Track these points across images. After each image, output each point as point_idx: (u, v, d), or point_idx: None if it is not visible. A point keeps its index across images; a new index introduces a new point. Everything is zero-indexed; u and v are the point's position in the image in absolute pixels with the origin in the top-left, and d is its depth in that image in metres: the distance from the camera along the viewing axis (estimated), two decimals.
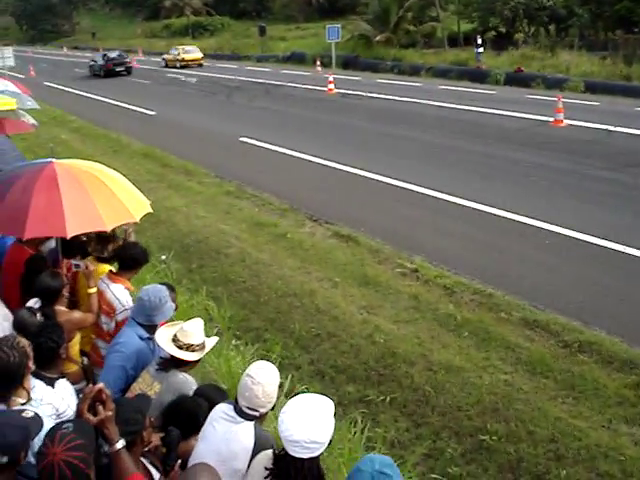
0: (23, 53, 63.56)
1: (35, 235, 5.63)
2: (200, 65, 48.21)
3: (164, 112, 26.91)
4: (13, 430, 3.29)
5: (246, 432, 3.94)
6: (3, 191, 5.37)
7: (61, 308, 5.44)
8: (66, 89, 38.04)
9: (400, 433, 6.95)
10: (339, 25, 42.75)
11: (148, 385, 4.74)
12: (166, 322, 5.21)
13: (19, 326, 4.86)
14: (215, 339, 5.06)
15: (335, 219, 12.87)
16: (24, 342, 4.04)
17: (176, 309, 5.68)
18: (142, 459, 3.75)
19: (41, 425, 3.52)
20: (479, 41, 35.94)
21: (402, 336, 8.62)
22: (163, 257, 11.46)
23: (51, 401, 4.15)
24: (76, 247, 6.26)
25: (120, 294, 5.74)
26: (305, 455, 3.40)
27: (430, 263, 10.63)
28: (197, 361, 4.83)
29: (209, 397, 4.45)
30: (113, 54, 47.42)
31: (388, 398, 7.44)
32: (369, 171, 15.69)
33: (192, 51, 50.29)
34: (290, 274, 10.72)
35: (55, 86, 39.18)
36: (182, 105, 29.35)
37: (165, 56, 51.98)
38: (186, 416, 4.26)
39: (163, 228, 13.19)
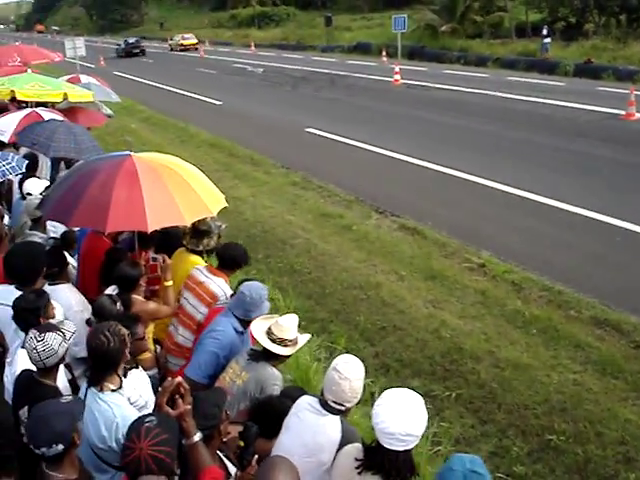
0: (93, 43, 64.88)
1: (117, 229, 5.79)
2: (196, 49, 59.05)
3: (230, 102, 27.17)
4: (60, 419, 3.41)
5: (333, 425, 3.98)
6: (84, 185, 5.50)
7: (138, 297, 5.56)
8: (135, 79, 38.70)
9: (465, 430, 6.92)
10: (405, 15, 42.40)
11: (237, 375, 4.85)
12: None
13: (99, 312, 5.00)
14: (307, 336, 5.16)
15: (401, 211, 12.81)
16: (124, 330, 4.16)
17: None
18: (219, 452, 3.83)
19: (83, 406, 3.68)
20: (545, 32, 35.22)
21: (469, 331, 8.57)
22: None
23: (123, 391, 4.27)
24: (151, 239, 6.40)
25: (224, 286, 5.86)
26: (400, 447, 3.43)
27: (498, 258, 10.50)
28: (288, 356, 4.92)
29: (295, 399, 4.52)
30: (132, 40, 61.65)
31: (454, 394, 7.41)
32: (436, 163, 15.55)
33: (189, 38, 64.16)
34: (356, 266, 10.74)
35: (124, 75, 39.89)
36: (248, 95, 29.56)
37: (170, 42, 65.45)
38: (273, 416, 4.32)
39: (230, 218, 13.19)
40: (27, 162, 7.98)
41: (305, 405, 4.13)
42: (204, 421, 3.67)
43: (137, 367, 4.63)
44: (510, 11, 42.86)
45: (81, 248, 6.73)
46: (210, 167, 16.85)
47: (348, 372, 3.97)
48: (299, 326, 8.71)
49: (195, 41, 63.08)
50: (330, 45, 51.24)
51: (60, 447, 3.34)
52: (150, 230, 5.42)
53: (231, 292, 5.80)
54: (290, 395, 4.60)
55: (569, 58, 32.51)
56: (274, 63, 42.74)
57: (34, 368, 4.16)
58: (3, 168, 7.04)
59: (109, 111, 14.93)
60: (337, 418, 4.00)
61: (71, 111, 11.69)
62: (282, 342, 4.78)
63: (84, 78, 15.51)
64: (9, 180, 8.37)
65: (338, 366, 4.00)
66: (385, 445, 3.43)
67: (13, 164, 7.19)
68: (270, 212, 13.51)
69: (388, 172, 15.63)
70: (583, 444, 6.50)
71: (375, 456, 3.52)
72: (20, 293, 4.94)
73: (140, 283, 5.62)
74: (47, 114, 10.21)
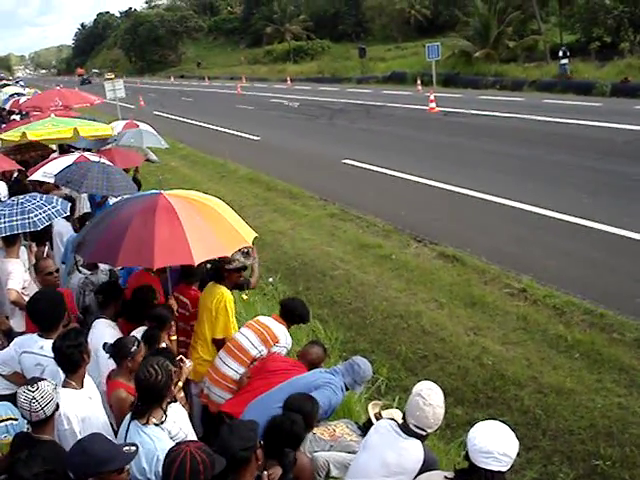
0: (132, 84, 66.25)
1: (165, 264, 5.93)
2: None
3: (268, 137, 27.50)
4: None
5: (416, 448, 4.13)
6: (123, 225, 5.67)
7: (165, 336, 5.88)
8: (174, 117, 39.40)
9: None
10: (438, 43, 42.71)
11: (348, 434, 5.21)
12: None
13: (117, 346, 5.21)
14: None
15: (440, 239, 12.82)
16: (171, 366, 4.29)
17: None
18: None
19: (134, 455, 3.84)
20: (561, 53, 35.68)
21: (511, 358, 8.54)
22: (270, 279, 11.76)
23: (164, 425, 4.39)
24: (193, 274, 6.63)
25: (286, 333, 6.27)
26: (495, 467, 3.49)
27: (538, 282, 10.43)
28: None
29: (300, 408, 4.65)
30: (86, 76, 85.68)
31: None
32: (473, 189, 15.51)
33: (110, 74, 72.18)
34: (395, 295, 10.78)
35: (164, 115, 40.64)
36: (285, 129, 29.92)
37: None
38: (286, 437, 4.46)
39: (270, 251, 13.50)
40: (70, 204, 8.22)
41: (386, 426, 4.26)
42: (241, 442, 3.85)
43: (176, 401, 4.75)
44: (544, 34, 42.82)
45: (127, 283, 6.97)
46: (249, 202, 17.16)
47: (432, 399, 4.15)
48: (341, 358, 8.87)
49: (113, 76, 70.49)
50: (365, 76, 51.68)
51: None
52: (197, 263, 5.55)
53: (289, 340, 6.26)
54: (293, 406, 4.83)
55: (605, 78, 32.24)
56: (310, 96, 43.21)
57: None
58: (49, 212, 7.27)
59: (155, 157, 15.30)
60: (419, 442, 4.13)
61: (110, 153, 12.03)
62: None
63: (141, 125, 16.01)
64: None
65: (423, 392, 4.18)
66: (481, 465, 3.53)
67: (58, 207, 7.43)
68: (309, 244, 13.64)
69: (426, 200, 15.68)
70: (630, 469, 6.45)
71: (469, 476, 3.58)
72: (42, 340, 5.17)
73: (171, 324, 5.87)
74: (93, 157, 10.53)
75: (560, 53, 35.61)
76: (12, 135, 12.12)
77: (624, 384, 7.71)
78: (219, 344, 6.43)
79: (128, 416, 4.38)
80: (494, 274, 10.98)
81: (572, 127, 22.62)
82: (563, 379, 7.93)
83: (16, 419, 4.40)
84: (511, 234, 12.68)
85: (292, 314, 6.40)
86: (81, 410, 4.52)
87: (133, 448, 3.82)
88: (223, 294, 6.47)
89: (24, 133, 11.59)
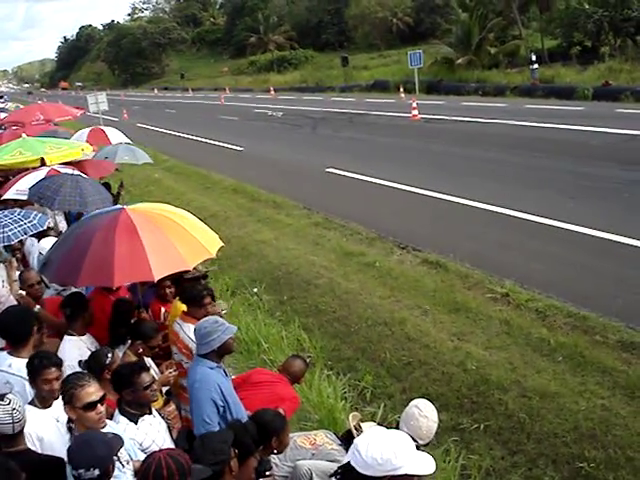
0: (116, 97, 66.21)
1: (124, 282, 5.94)
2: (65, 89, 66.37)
3: (252, 147, 27.48)
4: (102, 446, 3.65)
5: None
6: (84, 245, 5.67)
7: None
8: (158, 129, 39.33)
9: (495, 461, 6.92)
10: (421, 51, 42.95)
11: (328, 443, 5.20)
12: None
13: (91, 360, 5.22)
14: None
15: (423, 246, 12.83)
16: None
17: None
18: None
19: (122, 442, 3.86)
20: (533, 58, 36.45)
21: (494, 362, 8.55)
22: (255, 290, 11.77)
23: (133, 436, 4.37)
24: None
25: (192, 334, 5.83)
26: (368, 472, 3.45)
27: (521, 287, 10.45)
28: None
29: (265, 422, 4.60)
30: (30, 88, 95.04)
31: (482, 426, 7.41)
32: (456, 195, 15.55)
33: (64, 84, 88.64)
34: (380, 303, 10.78)
35: (148, 127, 40.58)
36: (269, 139, 29.91)
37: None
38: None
39: (254, 261, 13.52)
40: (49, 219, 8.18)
41: None
42: (212, 456, 3.83)
43: (151, 413, 4.75)
44: (525, 39, 43.13)
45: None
46: (234, 212, 17.17)
47: (428, 412, 4.20)
48: (326, 366, 8.87)
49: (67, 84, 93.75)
50: (348, 85, 51.86)
51: (96, 472, 3.54)
52: (156, 279, 5.57)
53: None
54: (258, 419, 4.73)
55: (586, 82, 32.53)
56: (294, 106, 43.31)
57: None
58: (25, 226, 7.17)
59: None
60: None
61: (80, 164, 12.01)
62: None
63: (114, 136, 15.88)
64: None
65: (420, 404, 4.25)
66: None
67: (35, 222, 7.33)
68: (293, 253, 13.62)
69: (409, 207, 15.71)
70: (614, 470, 6.46)
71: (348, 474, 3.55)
72: (11, 358, 5.11)
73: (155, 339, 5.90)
74: (64, 169, 10.49)
75: (533, 58, 36.40)
76: None
77: (607, 386, 7.73)
78: None
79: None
80: (477, 279, 11.00)
81: (554, 132, 22.75)
82: (547, 382, 7.95)
83: None
84: (494, 239, 12.73)
85: (189, 299, 6.22)
86: (42, 430, 4.42)
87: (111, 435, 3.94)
88: (178, 308, 6.39)
89: None
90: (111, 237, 5.56)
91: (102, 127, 17.31)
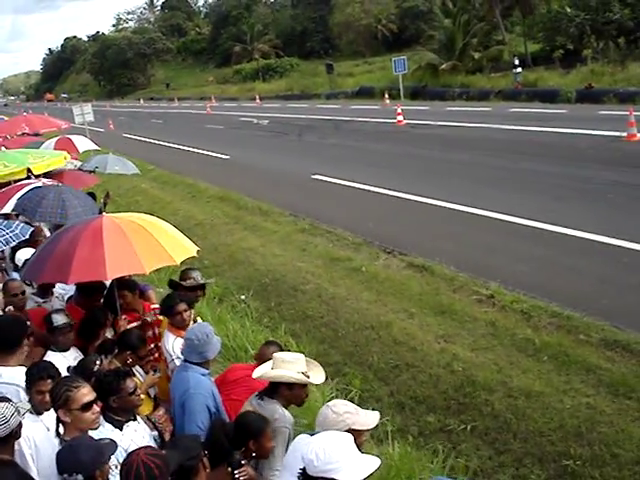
0: (102, 107, 65.97)
1: (78, 280, 6.17)
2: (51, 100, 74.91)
3: (238, 155, 27.45)
4: (87, 451, 3.69)
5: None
6: (53, 246, 6.12)
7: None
8: (144, 139, 39.20)
9: (483, 461, 6.96)
10: (405, 57, 43.14)
11: None
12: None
13: (80, 367, 5.27)
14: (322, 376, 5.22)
15: (409, 250, 12.88)
16: None
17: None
18: None
19: (115, 448, 3.91)
20: (516, 62, 36.72)
21: (481, 363, 8.62)
22: (243, 297, 11.79)
23: (119, 443, 4.39)
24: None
25: (170, 345, 6.11)
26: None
27: (506, 288, 10.52)
28: (295, 395, 4.98)
29: (243, 424, 4.60)
30: None
31: (469, 427, 7.46)
32: (441, 199, 15.63)
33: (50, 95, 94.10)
34: (366, 307, 10.83)
35: (134, 137, 40.47)
36: (255, 147, 29.90)
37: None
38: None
39: (241, 268, 13.54)
40: (32, 230, 8.17)
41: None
42: (185, 452, 3.93)
43: (135, 419, 4.78)
44: (508, 44, 43.36)
45: None
46: (220, 220, 17.19)
47: (336, 405, 4.22)
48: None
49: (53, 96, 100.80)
50: (334, 92, 51.93)
51: (79, 478, 3.60)
52: (109, 279, 6.02)
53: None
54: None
55: (570, 85, 32.71)
56: (279, 114, 43.34)
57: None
58: (7, 236, 7.22)
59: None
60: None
61: (60, 176, 12.06)
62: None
63: (81, 144, 15.96)
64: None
65: (329, 404, 4.24)
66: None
67: (17, 232, 7.36)
68: (280, 260, 13.66)
69: (395, 212, 15.76)
70: (600, 467, 6.53)
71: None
72: (1, 368, 5.08)
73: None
74: (49, 182, 10.55)
75: (516, 62, 36.70)
76: None
77: (592, 384, 7.81)
78: None
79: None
80: (462, 282, 11.06)
81: (538, 134, 22.91)
82: (532, 382, 8.02)
83: None
84: (479, 242, 12.80)
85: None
86: (36, 437, 4.42)
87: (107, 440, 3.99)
88: (165, 319, 6.47)
89: None
90: (77, 239, 5.94)
91: (69, 136, 17.22)
